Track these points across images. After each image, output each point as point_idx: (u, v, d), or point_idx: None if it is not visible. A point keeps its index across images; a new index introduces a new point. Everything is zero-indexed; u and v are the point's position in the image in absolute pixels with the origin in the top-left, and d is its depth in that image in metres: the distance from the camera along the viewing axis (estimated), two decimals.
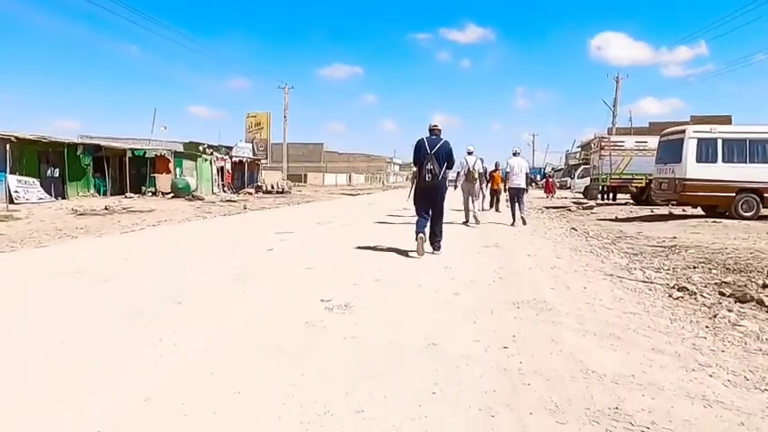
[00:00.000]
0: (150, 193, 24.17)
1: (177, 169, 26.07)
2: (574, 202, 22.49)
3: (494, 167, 16.35)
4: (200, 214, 16.69)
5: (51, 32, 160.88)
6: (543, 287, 5.24)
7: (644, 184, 19.28)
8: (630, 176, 19.32)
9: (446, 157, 6.94)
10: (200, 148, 28.61)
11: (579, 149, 59.61)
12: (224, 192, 31.34)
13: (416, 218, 7.15)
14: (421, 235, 6.80)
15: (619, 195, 21.65)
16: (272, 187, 34.06)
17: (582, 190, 27.10)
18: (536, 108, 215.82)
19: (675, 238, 10.17)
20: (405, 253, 7.30)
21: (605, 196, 20.15)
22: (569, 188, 36.25)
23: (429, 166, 6.78)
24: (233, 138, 42.11)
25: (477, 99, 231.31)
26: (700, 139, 13.09)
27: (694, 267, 6.95)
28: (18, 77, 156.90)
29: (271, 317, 3.94)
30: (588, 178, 27.20)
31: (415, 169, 7.11)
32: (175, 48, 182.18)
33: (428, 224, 7.04)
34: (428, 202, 7.06)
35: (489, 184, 15.61)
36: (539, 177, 49.70)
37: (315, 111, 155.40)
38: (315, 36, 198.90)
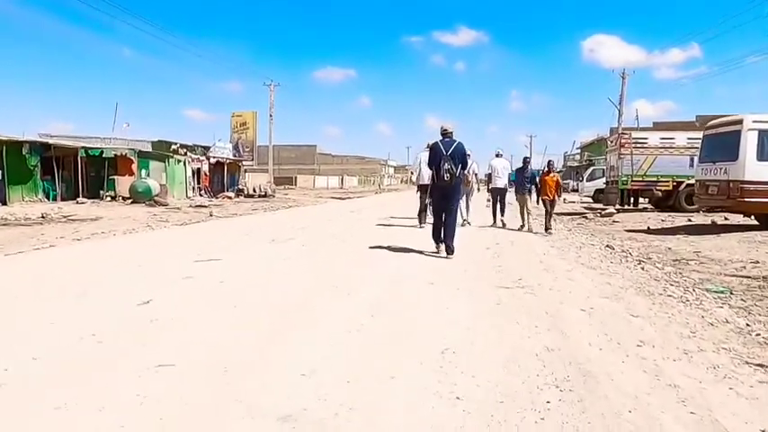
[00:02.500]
0: (109, 198, 21.06)
1: (143, 171, 22.98)
2: (587, 208, 19.50)
3: (546, 168, 11.20)
4: (152, 224, 13.64)
5: (44, 35, 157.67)
6: (665, 428, 2.20)
7: (670, 188, 16.30)
8: (655, 178, 16.31)
9: (461, 157, 7.00)
10: (172, 147, 25.47)
11: (579, 150, 56.65)
12: (200, 195, 28.24)
13: (432, 220, 7.46)
14: (442, 246, 7.03)
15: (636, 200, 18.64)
16: (254, 191, 30.96)
17: (591, 193, 24.11)
18: (531, 111, 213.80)
19: (758, 263, 7.24)
20: (378, 304, 4.28)
21: (626, 201, 17.12)
22: (574, 191, 33.28)
23: (446, 167, 6.82)
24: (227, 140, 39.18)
25: (473, 102, 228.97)
26: (761, 132, 10.13)
27: None
28: (9, 80, 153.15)
29: None
30: (599, 180, 24.24)
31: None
32: (171, 51, 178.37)
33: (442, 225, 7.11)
34: (444, 201, 7.08)
35: (536, 192, 11.10)
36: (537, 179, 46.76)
37: (309, 113, 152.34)
38: (308, 39, 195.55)
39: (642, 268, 6.61)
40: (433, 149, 7.12)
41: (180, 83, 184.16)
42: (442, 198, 7.09)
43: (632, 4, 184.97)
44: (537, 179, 11.11)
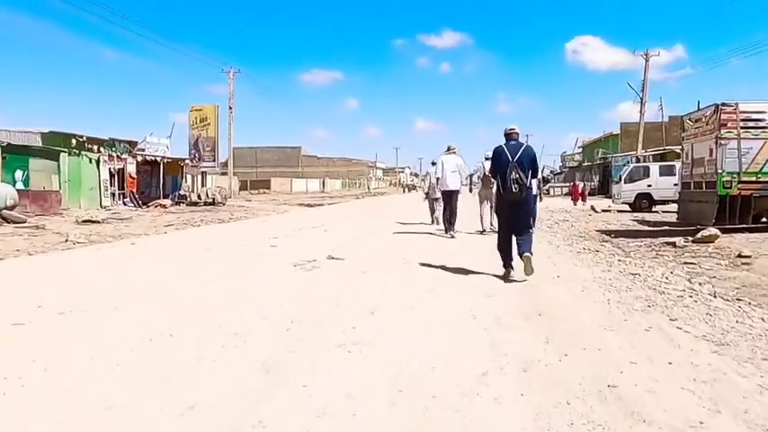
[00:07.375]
0: None
1: (17, 172, 16.02)
2: (640, 222, 12.74)
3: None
4: None
5: (31, 35, 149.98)
6: None
7: None
8: None
9: (530, 163, 5.60)
10: (75, 140, 18.51)
11: (581, 150, 50.14)
12: (124, 203, 21.25)
13: (498, 239, 5.90)
14: (512, 270, 5.57)
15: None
16: (200, 197, 24.05)
17: (631, 200, 17.41)
18: (518, 113, 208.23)
19: None
20: None
21: (731, 214, 10.09)
22: (591, 194, 26.58)
23: (514, 176, 5.44)
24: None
25: (460, 104, 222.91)
26: None
27: None
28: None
29: None
30: (642, 182, 17.56)
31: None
32: (159, 53, 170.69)
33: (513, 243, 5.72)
34: (514, 218, 5.73)
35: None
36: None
37: (296, 116, 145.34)
38: (294, 42, 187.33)
39: None
40: (498, 154, 5.69)
41: (165, 86, 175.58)
42: (510, 213, 5.71)
43: (613, 6, 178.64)
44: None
